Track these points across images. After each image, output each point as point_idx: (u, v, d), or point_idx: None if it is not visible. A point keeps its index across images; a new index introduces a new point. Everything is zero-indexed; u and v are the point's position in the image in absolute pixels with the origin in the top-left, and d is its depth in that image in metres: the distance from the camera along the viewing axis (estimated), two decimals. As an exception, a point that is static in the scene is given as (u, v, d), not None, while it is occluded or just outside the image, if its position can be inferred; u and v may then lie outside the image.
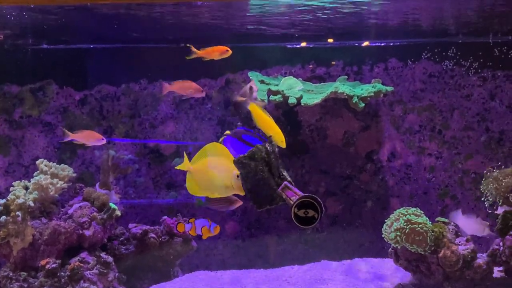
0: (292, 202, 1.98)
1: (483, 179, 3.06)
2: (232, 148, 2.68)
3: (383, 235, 3.02)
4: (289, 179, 2.15)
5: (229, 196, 2.66)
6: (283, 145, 2.42)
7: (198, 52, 2.95)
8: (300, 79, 3.52)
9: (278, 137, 2.43)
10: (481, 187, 3.07)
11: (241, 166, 2.16)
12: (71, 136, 3.16)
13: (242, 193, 2.25)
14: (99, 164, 3.48)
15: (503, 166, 3.05)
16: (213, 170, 2.22)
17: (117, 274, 3.12)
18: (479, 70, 3.72)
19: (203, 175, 2.26)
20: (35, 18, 3.13)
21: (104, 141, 3.17)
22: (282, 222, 3.72)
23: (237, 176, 2.18)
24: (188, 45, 2.94)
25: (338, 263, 3.50)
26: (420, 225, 2.90)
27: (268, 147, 2.20)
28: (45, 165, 3.19)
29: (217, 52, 2.98)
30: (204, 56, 2.98)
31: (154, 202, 3.74)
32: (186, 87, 3.13)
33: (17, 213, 2.96)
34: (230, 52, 2.96)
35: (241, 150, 2.60)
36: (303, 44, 3.79)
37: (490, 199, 3.01)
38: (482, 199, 3.05)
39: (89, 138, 3.17)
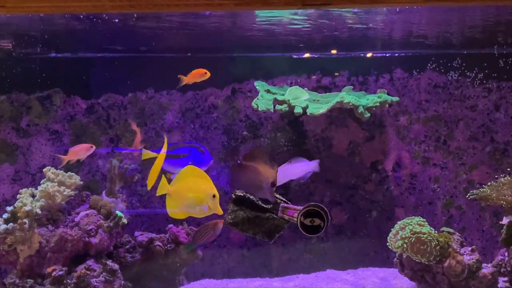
0: (295, 220, 2.01)
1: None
2: (175, 166, 2.79)
3: (388, 244, 3.03)
4: (283, 199, 2.17)
5: (209, 223, 2.77)
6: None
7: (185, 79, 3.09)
8: (306, 88, 3.54)
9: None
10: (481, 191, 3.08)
11: (234, 221, 2.20)
12: (65, 159, 3.18)
13: (220, 213, 2.30)
14: (105, 172, 3.50)
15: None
16: (190, 191, 2.30)
17: (122, 282, 3.13)
18: (484, 81, 3.74)
19: (181, 197, 2.34)
20: (43, 27, 3.16)
21: (94, 148, 3.19)
22: (287, 231, 3.71)
23: (213, 196, 2.23)
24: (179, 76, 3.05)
25: (343, 272, 3.51)
26: (425, 235, 2.90)
27: (238, 192, 2.23)
28: (52, 173, 3.21)
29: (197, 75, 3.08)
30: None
31: (159, 211, 3.74)
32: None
33: (24, 220, 2.97)
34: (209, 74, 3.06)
35: (182, 163, 2.71)
36: (308, 54, 3.81)
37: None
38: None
39: (80, 153, 3.18)
